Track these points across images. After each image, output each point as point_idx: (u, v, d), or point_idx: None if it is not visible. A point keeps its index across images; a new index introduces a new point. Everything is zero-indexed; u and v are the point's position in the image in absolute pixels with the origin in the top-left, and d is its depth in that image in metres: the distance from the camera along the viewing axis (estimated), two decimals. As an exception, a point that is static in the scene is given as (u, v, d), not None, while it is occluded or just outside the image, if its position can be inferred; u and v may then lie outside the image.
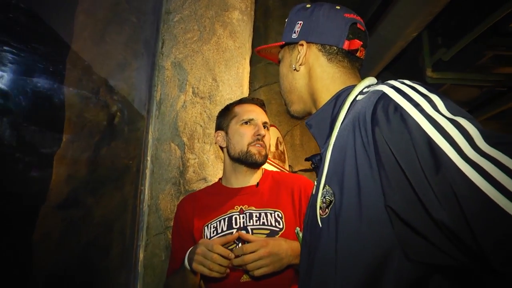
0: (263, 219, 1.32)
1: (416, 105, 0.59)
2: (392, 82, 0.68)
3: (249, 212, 1.34)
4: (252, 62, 2.40)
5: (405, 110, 0.59)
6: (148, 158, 2.09)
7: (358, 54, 0.89)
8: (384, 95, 0.65)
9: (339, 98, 0.83)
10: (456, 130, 0.54)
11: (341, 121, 0.76)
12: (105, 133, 1.85)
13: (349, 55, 0.88)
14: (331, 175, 0.72)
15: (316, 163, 0.87)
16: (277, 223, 1.31)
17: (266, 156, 1.41)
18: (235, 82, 2.17)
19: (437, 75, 4.18)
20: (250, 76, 2.42)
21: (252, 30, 2.39)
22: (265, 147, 1.40)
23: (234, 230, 1.31)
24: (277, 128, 3.44)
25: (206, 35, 2.20)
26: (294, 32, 0.91)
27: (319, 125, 0.85)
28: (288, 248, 1.18)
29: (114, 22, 1.95)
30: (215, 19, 2.22)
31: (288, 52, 0.94)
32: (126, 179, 2.00)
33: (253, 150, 1.38)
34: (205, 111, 2.10)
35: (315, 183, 0.83)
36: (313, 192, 0.83)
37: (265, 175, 1.48)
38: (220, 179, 1.52)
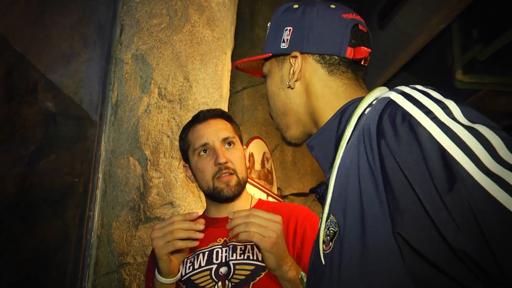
0: (248, 252, 1.39)
1: (428, 112, 0.63)
2: (402, 87, 0.71)
3: (233, 245, 1.41)
4: (234, 58, 2.40)
5: (414, 118, 0.62)
6: (100, 176, 2.08)
7: (362, 62, 0.93)
8: (391, 102, 0.68)
9: (344, 114, 0.87)
10: (473, 138, 0.57)
11: (347, 139, 0.79)
12: (42, 143, 1.86)
13: (353, 64, 0.93)
14: (335, 202, 0.75)
15: (321, 193, 0.90)
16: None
17: (239, 184, 1.46)
18: (212, 82, 2.17)
19: (469, 79, 4.16)
20: (231, 75, 2.41)
21: (235, 17, 2.40)
22: (234, 172, 1.45)
23: (215, 266, 1.38)
24: (263, 140, 3.44)
25: (178, 21, 2.19)
26: (283, 41, 0.94)
27: (323, 147, 0.89)
28: (284, 250, 1.20)
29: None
30: (189, 1, 2.22)
31: (276, 66, 0.97)
32: (70, 201, 2.01)
33: (220, 185, 1.44)
34: (173, 118, 2.09)
35: (321, 215, 0.86)
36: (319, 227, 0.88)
37: (258, 205, 1.54)
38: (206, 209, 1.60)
